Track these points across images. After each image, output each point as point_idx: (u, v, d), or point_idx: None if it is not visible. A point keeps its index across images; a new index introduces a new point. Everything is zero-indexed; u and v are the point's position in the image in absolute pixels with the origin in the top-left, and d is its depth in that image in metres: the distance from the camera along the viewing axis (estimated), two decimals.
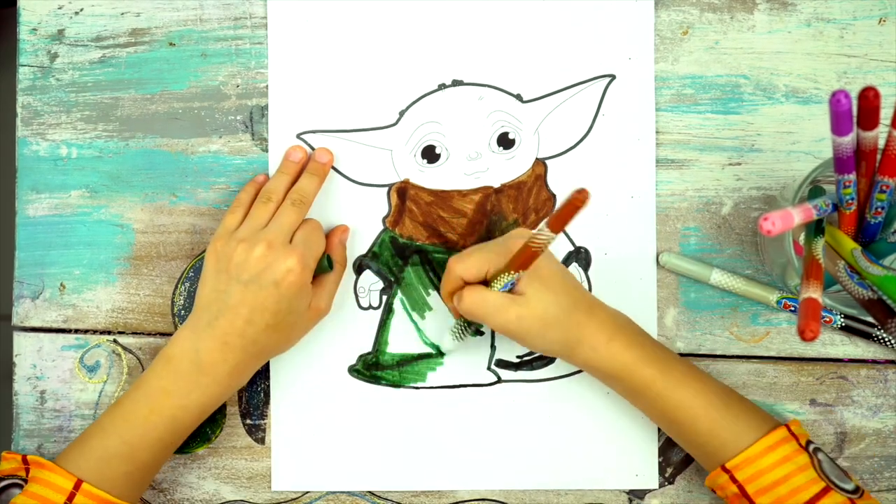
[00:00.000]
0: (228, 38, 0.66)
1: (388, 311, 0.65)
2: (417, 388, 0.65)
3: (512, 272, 0.56)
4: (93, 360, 0.66)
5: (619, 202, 0.65)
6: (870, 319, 0.63)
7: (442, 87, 0.65)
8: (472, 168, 0.65)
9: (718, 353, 0.65)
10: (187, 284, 0.66)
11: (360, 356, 0.65)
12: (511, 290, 0.57)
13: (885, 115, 0.50)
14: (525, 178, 0.65)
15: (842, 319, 0.64)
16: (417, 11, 0.66)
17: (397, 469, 0.65)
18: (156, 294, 0.66)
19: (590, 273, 0.65)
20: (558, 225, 0.51)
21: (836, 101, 0.46)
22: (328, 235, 0.64)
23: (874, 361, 0.65)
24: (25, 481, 0.58)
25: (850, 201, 0.53)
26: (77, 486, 0.56)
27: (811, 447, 0.57)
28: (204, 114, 0.66)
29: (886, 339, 0.64)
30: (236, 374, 0.59)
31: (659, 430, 0.65)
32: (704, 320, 0.65)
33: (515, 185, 0.65)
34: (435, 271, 0.65)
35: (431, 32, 0.66)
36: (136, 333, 0.66)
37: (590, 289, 0.65)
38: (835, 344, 0.65)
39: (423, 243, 0.65)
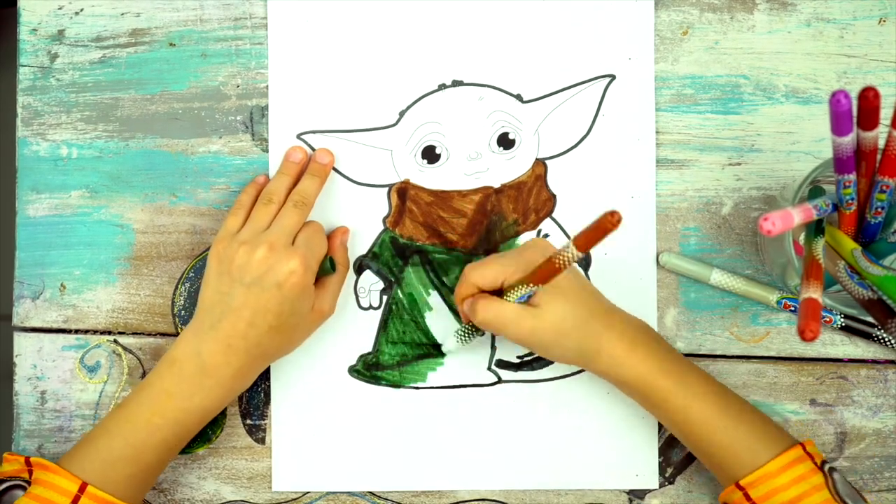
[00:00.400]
0: (228, 39, 0.66)
1: (388, 312, 0.65)
2: (417, 388, 0.65)
3: (530, 285, 0.55)
4: (93, 361, 0.66)
5: (619, 202, 0.65)
6: (870, 319, 0.63)
7: (442, 87, 0.65)
8: (472, 168, 0.65)
9: (718, 353, 0.65)
10: (187, 285, 0.66)
11: (361, 356, 0.65)
12: (526, 301, 0.57)
13: (885, 115, 0.50)
14: (525, 178, 0.65)
15: (842, 319, 0.64)
16: (417, 11, 0.66)
17: (397, 469, 0.65)
18: (156, 294, 0.66)
19: (590, 273, 0.65)
20: (585, 245, 0.50)
21: (836, 101, 0.46)
22: (329, 237, 0.64)
23: (874, 361, 0.65)
24: (28, 483, 0.57)
25: (850, 201, 0.53)
26: (82, 488, 0.56)
27: (826, 467, 0.57)
28: (204, 114, 0.66)
29: (886, 339, 0.64)
30: (240, 376, 0.59)
31: (659, 429, 0.65)
32: (704, 320, 0.65)
33: (515, 185, 0.65)
34: (435, 272, 0.65)
35: (431, 32, 0.66)
36: (136, 334, 0.66)
37: None
38: (835, 344, 0.65)
39: (424, 243, 0.65)
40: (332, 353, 0.65)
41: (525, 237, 0.65)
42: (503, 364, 0.65)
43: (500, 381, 0.65)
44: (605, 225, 0.48)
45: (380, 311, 0.66)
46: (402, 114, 0.65)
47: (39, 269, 0.66)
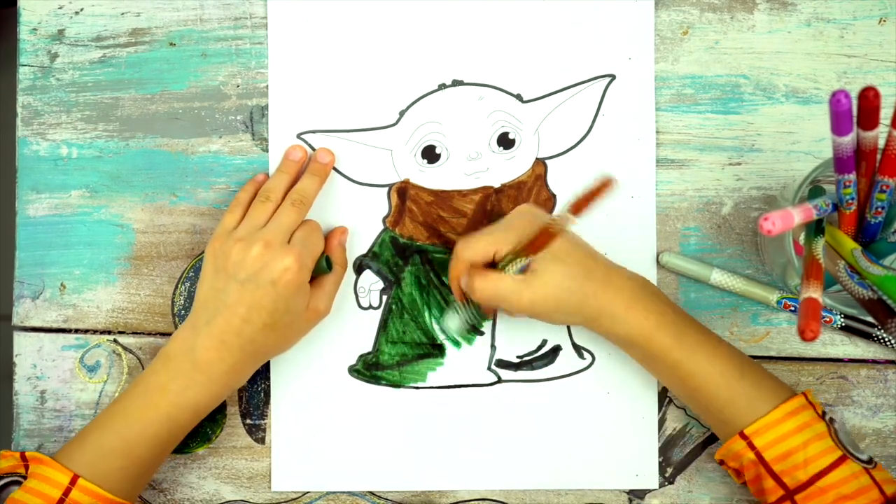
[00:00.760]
0: (228, 38, 0.66)
1: (388, 311, 0.65)
2: (417, 388, 0.65)
3: (525, 257, 0.55)
4: (93, 360, 0.66)
5: (619, 202, 0.65)
6: (870, 319, 0.63)
7: (442, 87, 0.65)
8: (472, 168, 0.65)
9: None
10: (187, 284, 0.66)
11: (360, 356, 0.65)
12: (523, 271, 0.57)
13: (885, 115, 0.50)
14: (525, 178, 0.65)
15: (842, 319, 0.64)
16: (417, 11, 0.66)
17: (397, 469, 0.65)
18: (156, 294, 0.66)
19: None
20: (580, 209, 0.51)
21: (836, 101, 0.46)
22: (327, 237, 0.64)
23: (874, 361, 0.65)
24: (25, 478, 0.58)
25: (850, 201, 0.53)
26: (73, 480, 0.56)
27: (826, 416, 0.57)
28: (204, 114, 0.66)
29: (886, 339, 0.64)
30: (233, 373, 0.59)
31: (659, 429, 0.65)
32: (704, 320, 0.65)
33: (515, 185, 0.65)
34: (435, 271, 0.65)
35: (431, 32, 0.66)
36: (136, 333, 0.66)
37: None
38: (835, 344, 0.65)
39: (424, 243, 0.65)
40: (332, 352, 0.65)
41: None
42: (503, 364, 0.65)
43: (500, 380, 0.65)
44: (602, 189, 0.49)
45: (380, 311, 0.66)
46: (402, 113, 0.65)
47: (39, 268, 0.66)
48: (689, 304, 0.65)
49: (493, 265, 0.59)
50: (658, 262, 0.65)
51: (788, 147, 0.65)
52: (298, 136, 0.65)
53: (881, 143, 0.50)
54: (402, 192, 0.65)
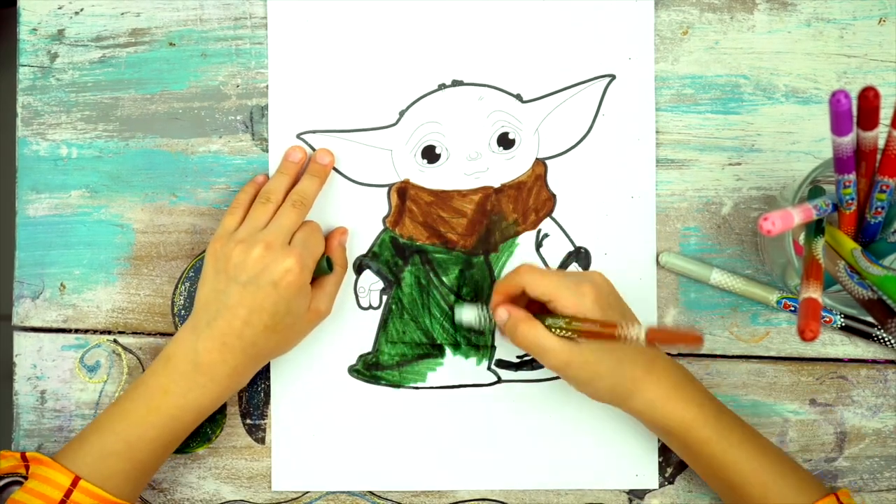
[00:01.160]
0: (228, 38, 0.66)
1: (388, 311, 0.65)
2: (417, 388, 0.65)
3: (577, 336, 0.55)
4: (93, 360, 0.66)
5: (619, 202, 0.65)
6: (870, 319, 0.63)
7: (442, 87, 0.65)
8: (472, 168, 0.65)
9: (718, 353, 0.65)
10: (187, 284, 0.66)
11: (360, 356, 0.65)
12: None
13: (885, 115, 0.50)
14: (525, 178, 0.65)
15: (842, 319, 0.64)
16: (417, 11, 0.66)
17: (397, 469, 0.65)
18: (156, 294, 0.66)
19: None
20: (656, 340, 0.51)
21: (836, 101, 0.46)
22: (327, 237, 0.64)
23: (874, 361, 0.65)
24: (26, 479, 0.58)
25: (850, 201, 0.53)
26: (74, 482, 0.56)
27: None
28: (204, 114, 0.66)
29: (886, 339, 0.64)
30: (235, 374, 0.59)
31: None
32: (704, 320, 0.65)
33: (515, 185, 0.65)
34: (435, 271, 0.65)
35: (431, 32, 0.66)
36: (136, 333, 0.66)
37: None
38: (835, 344, 0.65)
39: (424, 243, 0.65)
40: (332, 352, 0.65)
41: (525, 237, 0.65)
42: (503, 364, 0.65)
43: (499, 380, 0.65)
44: (687, 340, 0.50)
45: (379, 311, 0.66)
46: (402, 113, 0.65)
47: (39, 268, 0.66)
48: (689, 304, 0.65)
49: (537, 304, 0.58)
50: (658, 262, 0.65)
51: (788, 147, 0.65)
52: (298, 136, 0.65)
53: (881, 143, 0.50)
54: (402, 192, 0.65)
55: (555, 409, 0.65)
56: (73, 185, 0.66)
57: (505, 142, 0.65)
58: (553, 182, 0.65)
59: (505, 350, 0.65)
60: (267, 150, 0.66)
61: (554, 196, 0.65)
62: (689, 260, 0.64)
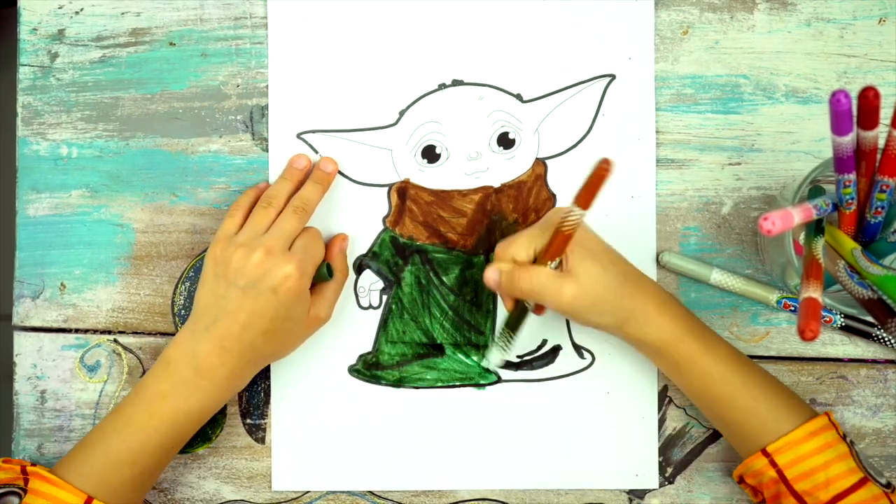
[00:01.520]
0: (228, 38, 0.66)
1: (388, 311, 0.65)
2: (417, 387, 0.65)
3: (550, 260, 0.56)
4: (93, 360, 0.66)
5: (619, 202, 0.65)
6: (870, 319, 0.63)
7: (442, 86, 0.65)
8: (472, 168, 0.65)
9: None
10: (187, 284, 0.66)
11: (360, 356, 0.65)
12: (557, 269, 0.57)
13: (884, 114, 0.50)
14: (525, 177, 0.65)
15: (842, 319, 0.64)
16: (417, 11, 0.66)
17: (397, 469, 0.65)
18: (156, 294, 0.66)
19: None
20: (587, 200, 0.51)
21: (836, 100, 0.46)
22: (328, 244, 0.64)
23: (874, 361, 0.65)
24: (24, 490, 0.57)
25: (850, 201, 0.53)
26: (87, 502, 0.55)
27: (847, 439, 0.57)
28: (204, 113, 0.66)
29: (886, 339, 0.64)
30: (234, 377, 0.59)
31: (659, 429, 0.65)
32: (705, 320, 0.65)
33: (515, 184, 0.65)
34: (435, 271, 0.65)
35: (431, 32, 0.66)
36: (136, 333, 0.66)
37: None
38: (835, 344, 0.65)
39: (424, 243, 0.65)
40: (332, 352, 0.65)
41: None
42: (503, 364, 0.65)
43: (499, 380, 0.65)
44: (600, 173, 0.49)
45: (379, 311, 0.66)
46: (402, 113, 0.66)
47: (39, 268, 0.66)
48: (690, 304, 0.65)
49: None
50: (658, 261, 0.65)
51: (788, 147, 0.65)
52: (298, 136, 0.66)
53: (881, 142, 0.50)
54: (402, 192, 0.65)
55: (555, 409, 0.65)
56: (74, 185, 0.66)
57: (505, 141, 0.65)
58: (553, 182, 0.65)
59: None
60: (267, 150, 0.66)
61: (554, 196, 0.65)
62: (689, 260, 0.64)
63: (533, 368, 0.65)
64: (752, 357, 0.65)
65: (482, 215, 0.65)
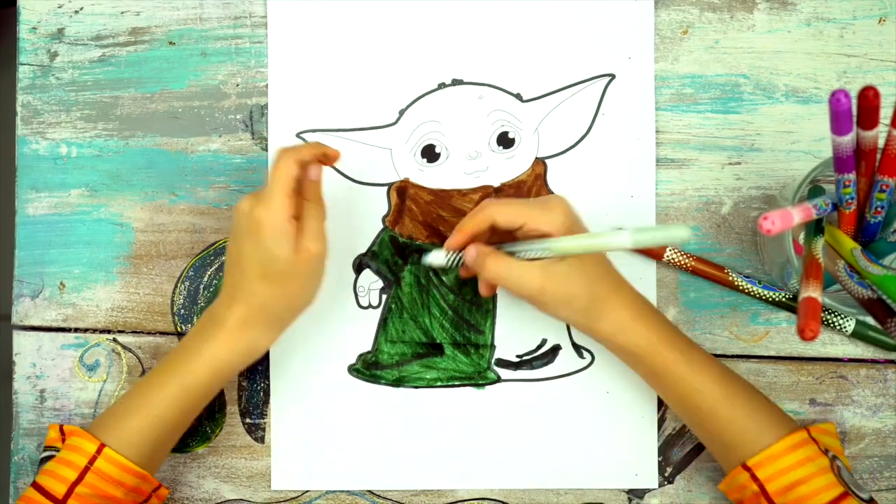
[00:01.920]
0: (228, 38, 0.66)
1: (387, 311, 0.65)
2: (417, 387, 0.65)
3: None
4: (92, 359, 0.66)
5: (619, 202, 0.65)
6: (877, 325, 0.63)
7: (442, 86, 0.65)
8: (471, 167, 0.65)
9: (718, 352, 0.65)
10: (187, 283, 0.66)
11: (360, 355, 0.65)
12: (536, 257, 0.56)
13: (884, 114, 0.50)
14: (525, 177, 0.65)
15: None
16: (417, 11, 0.66)
17: (397, 468, 0.65)
18: (155, 293, 0.66)
19: None
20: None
21: (836, 100, 0.46)
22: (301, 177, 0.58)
23: (874, 361, 0.65)
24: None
25: (849, 201, 0.53)
26: (99, 449, 0.57)
27: (829, 454, 0.57)
28: (204, 113, 0.66)
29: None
30: (247, 328, 0.57)
31: (659, 429, 0.65)
32: (704, 320, 0.65)
33: (515, 184, 0.65)
34: (435, 271, 0.65)
35: (431, 32, 0.66)
36: (135, 332, 0.66)
37: None
38: (834, 343, 0.65)
39: (423, 242, 0.65)
40: (332, 352, 0.65)
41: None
42: (503, 363, 0.65)
43: (499, 380, 0.65)
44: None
45: (379, 311, 0.66)
46: (401, 112, 0.65)
47: (39, 267, 0.66)
48: (689, 303, 0.65)
49: (505, 234, 0.57)
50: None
51: (788, 147, 0.65)
52: (298, 136, 0.65)
53: (881, 142, 0.50)
54: (402, 192, 0.65)
55: (555, 408, 0.65)
56: (73, 184, 0.66)
57: (505, 141, 0.65)
58: (553, 181, 0.65)
59: (504, 349, 0.65)
60: (266, 150, 0.66)
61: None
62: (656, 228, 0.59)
63: (532, 368, 0.65)
64: (751, 357, 0.65)
65: None
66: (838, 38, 0.65)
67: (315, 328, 0.63)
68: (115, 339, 0.66)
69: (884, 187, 0.51)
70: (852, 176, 0.51)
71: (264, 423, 0.65)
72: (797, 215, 0.49)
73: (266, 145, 0.66)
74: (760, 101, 0.65)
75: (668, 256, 0.64)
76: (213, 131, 0.66)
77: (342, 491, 0.65)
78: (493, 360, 0.65)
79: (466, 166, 0.65)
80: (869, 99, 0.46)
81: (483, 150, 0.65)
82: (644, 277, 0.65)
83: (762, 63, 0.65)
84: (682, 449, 0.65)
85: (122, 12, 0.66)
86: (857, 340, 0.65)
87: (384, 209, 0.66)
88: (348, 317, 0.65)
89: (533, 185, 0.65)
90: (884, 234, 0.55)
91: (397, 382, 0.65)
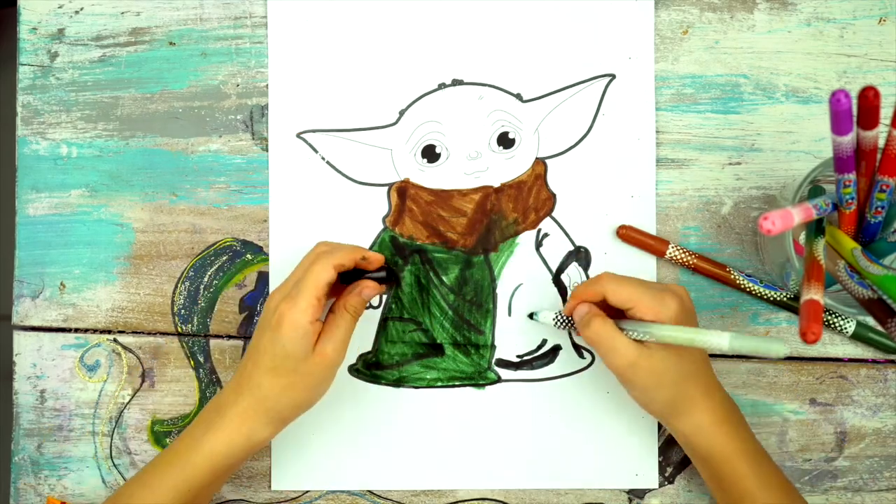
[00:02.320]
0: (228, 38, 0.66)
1: (388, 311, 0.65)
2: (417, 387, 0.65)
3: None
4: (93, 360, 0.66)
5: (619, 202, 0.65)
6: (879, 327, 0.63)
7: (442, 86, 0.65)
8: (472, 167, 0.65)
9: (718, 352, 0.65)
10: (187, 284, 0.66)
11: (360, 356, 0.65)
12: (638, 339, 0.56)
13: (884, 114, 0.50)
14: (525, 177, 0.65)
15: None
16: (417, 11, 0.66)
17: (397, 469, 0.65)
18: (156, 293, 0.66)
19: (590, 273, 0.65)
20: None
21: (836, 100, 0.46)
22: (349, 287, 0.60)
23: (874, 361, 0.65)
24: None
25: (850, 201, 0.53)
26: None
27: None
28: (204, 113, 0.66)
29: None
30: (246, 419, 0.57)
31: (659, 429, 0.65)
32: (704, 320, 0.65)
33: (515, 184, 0.65)
34: (435, 271, 0.65)
35: (431, 32, 0.66)
36: (135, 333, 0.66)
37: None
38: (835, 343, 0.65)
39: (423, 243, 0.65)
40: None
41: (525, 236, 0.65)
42: (503, 363, 0.65)
43: (499, 380, 0.65)
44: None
45: (379, 311, 0.66)
46: (402, 113, 0.65)
47: (39, 268, 0.66)
48: None
49: (618, 313, 0.57)
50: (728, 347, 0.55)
51: (788, 147, 0.65)
52: (298, 136, 0.66)
53: (881, 142, 0.50)
54: (402, 192, 0.65)
55: (555, 409, 0.65)
56: (73, 185, 0.66)
57: (505, 141, 0.65)
58: (553, 181, 0.65)
59: (505, 349, 0.65)
60: (267, 150, 0.66)
61: (554, 195, 0.65)
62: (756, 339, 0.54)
63: (533, 368, 0.65)
64: (751, 357, 0.65)
65: (482, 215, 0.65)
66: (838, 38, 0.65)
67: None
68: (115, 340, 0.66)
69: (884, 187, 0.51)
70: (852, 176, 0.51)
71: None
72: (797, 215, 0.49)
73: (266, 146, 0.66)
74: (760, 101, 0.65)
75: (670, 253, 0.64)
76: (214, 132, 0.66)
77: (342, 491, 0.65)
78: (493, 361, 0.65)
79: (467, 166, 0.65)
80: (869, 99, 0.46)
81: (483, 150, 0.65)
82: (644, 274, 0.65)
83: (762, 63, 0.65)
84: (682, 449, 0.65)
85: (123, 13, 0.66)
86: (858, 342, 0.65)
87: (384, 209, 0.66)
88: None
89: (533, 185, 0.65)
90: (884, 234, 0.55)
91: (398, 383, 0.65)
